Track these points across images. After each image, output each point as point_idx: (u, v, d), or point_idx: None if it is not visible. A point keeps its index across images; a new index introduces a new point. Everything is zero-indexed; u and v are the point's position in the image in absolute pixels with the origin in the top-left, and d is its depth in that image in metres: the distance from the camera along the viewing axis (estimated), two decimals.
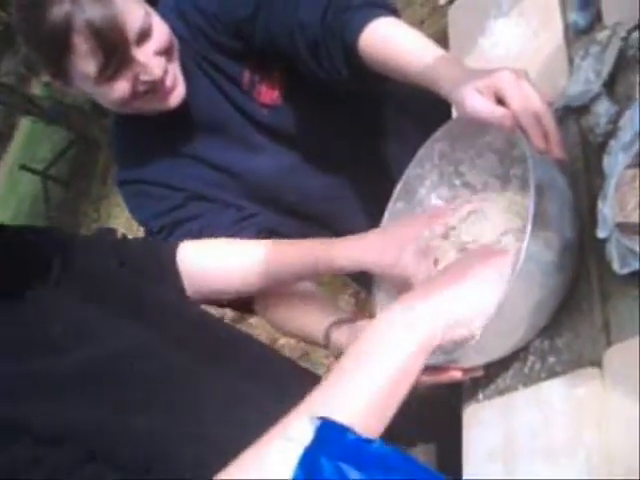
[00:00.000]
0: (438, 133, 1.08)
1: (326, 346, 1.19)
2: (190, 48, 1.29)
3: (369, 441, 0.68)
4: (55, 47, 1.13)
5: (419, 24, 2.94)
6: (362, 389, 0.78)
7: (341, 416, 0.73)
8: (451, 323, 0.86)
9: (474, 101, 0.92)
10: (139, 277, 1.07)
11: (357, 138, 1.42)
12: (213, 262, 1.18)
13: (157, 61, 1.19)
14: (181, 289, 1.14)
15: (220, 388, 0.92)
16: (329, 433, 0.68)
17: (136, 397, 0.81)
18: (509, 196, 1.02)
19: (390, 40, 1.09)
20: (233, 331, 1.12)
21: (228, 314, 3.28)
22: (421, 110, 1.20)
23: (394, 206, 1.14)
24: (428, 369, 0.98)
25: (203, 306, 1.20)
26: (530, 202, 0.84)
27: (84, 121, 6.14)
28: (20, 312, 0.83)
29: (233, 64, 1.31)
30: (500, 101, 0.91)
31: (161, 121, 1.29)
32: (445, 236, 1.04)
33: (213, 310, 1.22)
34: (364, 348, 0.83)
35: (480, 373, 1.00)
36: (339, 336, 1.17)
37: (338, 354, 1.17)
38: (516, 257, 0.86)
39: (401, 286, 1.08)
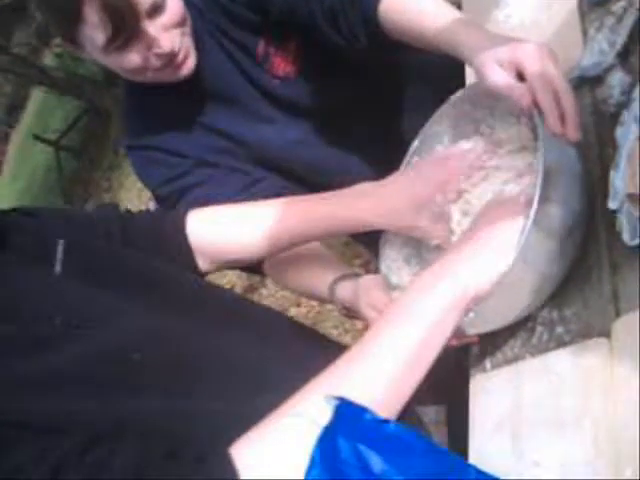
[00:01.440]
0: (458, 94, 1.06)
1: (331, 301, 1.20)
2: (204, 18, 1.29)
3: (386, 422, 0.68)
4: (66, 16, 1.14)
5: None
6: (399, 343, 0.79)
7: (379, 371, 0.75)
8: (482, 280, 0.85)
9: (494, 74, 0.92)
10: (144, 253, 1.06)
11: (372, 112, 1.41)
12: (225, 231, 1.15)
13: (169, 35, 1.19)
14: (189, 261, 1.13)
15: (233, 358, 0.92)
16: (347, 413, 0.68)
17: (145, 381, 0.80)
18: (525, 159, 1.01)
19: (409, 5, 1.08)
20: (240, 300, 1.12)
21: (238, 284, 3.31)
22: (440, 82, 1.20)
23: (410, 160, 1.13)
24: None
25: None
26: (537, 186, 0.84)
27: (96, 91, 6.14)
28: (20, 307, 0.82)
29: (248, 35, 1.31)
30: (520, 75, 0.90)
31: (172, 89, 1.29)
32: (455, 201, 1.04)
33: (223, 281, 1.22)
34: (403, 302, 0.84)
35: (475, 340, 1.00)
36: (343, 291, 1.18)
37: (342, 309, 1.19)
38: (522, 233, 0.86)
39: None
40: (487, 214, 0.94)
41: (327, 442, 0.66)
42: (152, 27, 1.17)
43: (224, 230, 1.15)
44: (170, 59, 1.21)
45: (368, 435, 0.67)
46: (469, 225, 0.97)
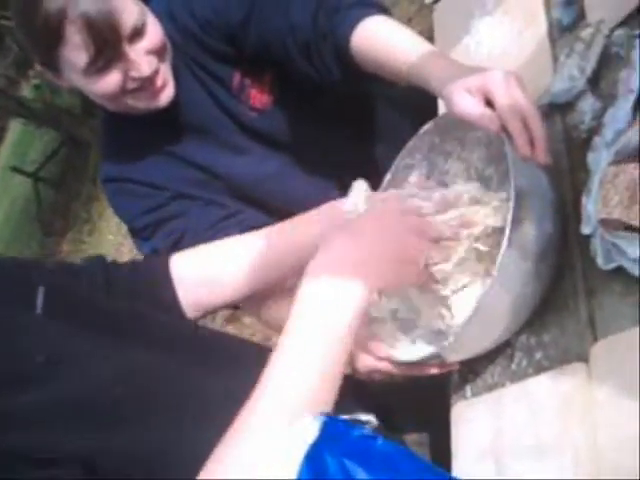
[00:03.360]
0: (428, 125, 1.07)
1: None
2: (180, 50, 1.29)
3: (374, 437, 0.68)
4: (47, 36, 1.14)
5: (407, 22, 2.94)
6: (302, 367, 0.77)
7: (300, 392, 0.75)
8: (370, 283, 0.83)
9: (463, 101, 0.93)
10: (128, 301, 1.05)
11: (348, 142, 1.42)
12: (209, 274, 1.13)
13: (148, 59, 1.19)
14: (175, 306, 1.11)
15: (212, 394, 0.92)
16: (334, 430, 0.68)
17: (129, 416, 0.81)
18: (490, 193, 1.02)
19: (380, 38, 1.09)
20: (230, 340, 1.12)
21: (220, 314, 3.29)
22: (415, 112, 1.21)
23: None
24: (404, 365, 0.99)
25: None
26: (509, 210, 0.85)
27: (74, 123, 6.14)
28: (1, 344, 0.82)
29: (224, 67, 1.32)
30: (489, 102, 0.91)
31: (148, 120, 1.29)
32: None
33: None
34: (299, 324, 0.80)
35: (456, 367, 1.00)
36: None
37: None
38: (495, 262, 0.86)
39: None
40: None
41: (314, 459, 0.66)
42: (132, 50, 1.17)
43: (207, 274, 1.13)
44: (148, 84, 1.21)
45: (355, 451, 0.66)
46: None
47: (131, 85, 1.20)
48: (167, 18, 1.28)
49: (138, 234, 1.36)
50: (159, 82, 1.22)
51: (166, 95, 1.25)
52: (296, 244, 1.10)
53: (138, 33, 1.18)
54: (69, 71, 1.19)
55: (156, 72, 1.21)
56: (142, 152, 1.35)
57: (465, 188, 0.99)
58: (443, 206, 0.95)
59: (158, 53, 1.21)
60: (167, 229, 1.32)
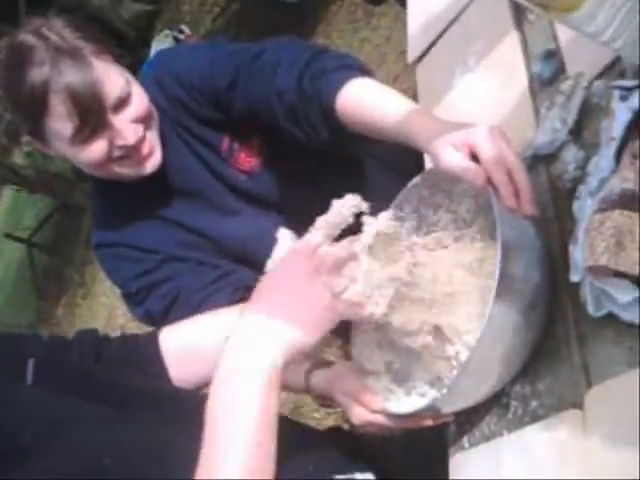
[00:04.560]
0: (417, 179, 1.09)
1: (306, 391, 1.19)
2: (169, 117, 1.32)
3: None
4: (33, 107, 1.16)
5: (393, 80, 2.99)
6: (239, 443, 0.79)
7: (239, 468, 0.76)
8: (286, 344, 0.86)
9: (449, 157, 0.94)
10: (118, 372, 1.05)
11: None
12: (197, 341, 1.13)
13: (133, 128, 1.21)
14: (166, 379, 1.11)
15: None
16: None
17: None
18: (477, 249, 1.03)
19: (365, 99, 1.11)
20: None
21: None
22: (404, 168, 1.22)
23: None
24: (399, 418, 0.99)
25: None
26: (497, 260, 0.86)
27: (67, 188, 6.16)
28: None
29: (211, 132, 1.34)
30: (474, 156, 0.93)
31: (138, 185, 1.31)
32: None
33: None
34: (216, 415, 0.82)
35: (450, 419, 1.01)
36: (317, 380, 1.17)
37: (317, 397, 1.18)
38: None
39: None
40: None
41: None
42: (117, 120, 1.19)
43: (192, 346, 1.13)
44: (133, 152, 1.23)
45: None
46: None
47: (117, 153, 1.22)
48: (155, 86, 1.31)
49: (131, 298, 1.37)
50: (145, 150, 1.24)
51: (152, 162, 1.27)
52: None
53: (123, 103, 1.20)
54: (55, 141, 1.21)
55: (142, 140, 1.23)
56: (132, 217, 1.37)
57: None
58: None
59: (144, 121, 1.23)
60: (160, 292, 1.32)
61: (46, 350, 1.02)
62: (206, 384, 1.13)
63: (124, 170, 1.26)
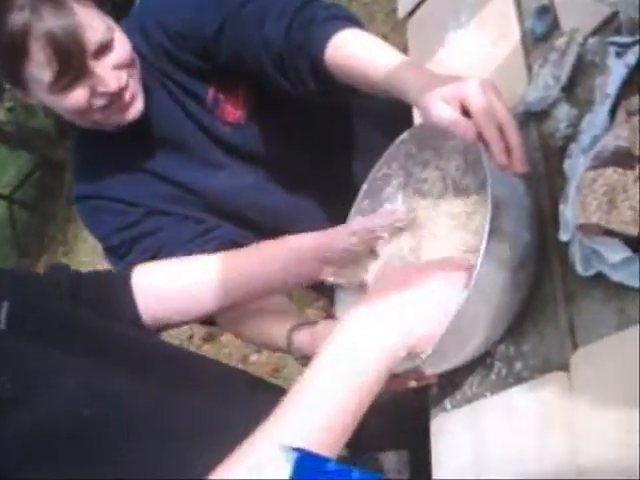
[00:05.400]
0: (405, 135, 1.07)
1: (288, 350, 1.18)
2: (152, 66, 1.29)
3: (349, 470, 0.67)
4: (12, 53, 1.13)
5: (381, 39, 2.95)
6: (321, 406, 0.76)
7: (303, 433, 0.73)
8: (407, 333, 0.84)
9: (439, 110, 0.92)
10: (93, 312, 1.04)
11: (323, 157, 1.41)
12: (167, 283, 1.13)
13: (115, 74, 1.18)
14: (136, 318, 1.11)
15: (188, 417, 0.90)
16: (307, 465, 0.67)
17: (97, 446, 0.78)
18: (467, 204, 1.01)
19: (355, 50, 1.08)
20: (192, 357, 1.10)
21: (197, 332, 3.27)
22: (390, 124, 1.20)
23: (360, 204, 1.13)
24: None
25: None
26: (487, 218, 0.84)
27: (49, 145, 6.10)
28: None
29: (197, 82, 1.31)
30: (465, 111, 0.91)
31: (121, 137, 1.28)
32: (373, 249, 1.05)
33: (182, 329, 1.19)
34: (323, 361, 0.80)
35: (434, 381, 0.99)
36: (300, 339, 1.16)
37: (300, 357, 1.17)
38: (470, 272, 0.85)
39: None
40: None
41: None
42: (99, 66, 1.16)
43: (169, 286, 1.13)
44: (116, 99, 1.20)
45: None
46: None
47: (99, 101, 1.19)
48: (140, 35, 1.28)
49: (113, 252, 1.35)
50: (127, 97, 1.21)
51: (135, 109, 1.24)
52: (261, 268, 1.11)
53: (104, 49, 1.17)
54: (36, 88, 1.18)
55: (125, 87, 1.20)
56: (115, 169, 1.34)
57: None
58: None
59: (126, 68, 1.21)
60: (142, 246, 1.30)
61: (20, 290, 0.99)
62: (172, 326, 1.15)
63: (106, 118, 1.23)
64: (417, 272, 0.90)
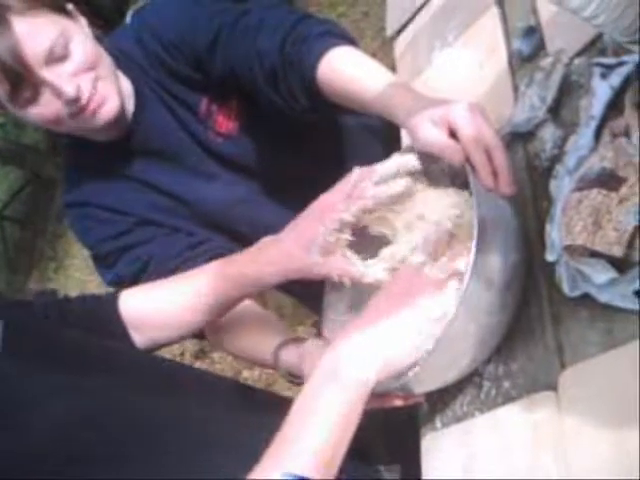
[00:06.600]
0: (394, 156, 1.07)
1: (275, 367, 1.18)
2: (147, 75, 1.29)
3: None
4: None
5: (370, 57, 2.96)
6: (309, 447, 0.78)
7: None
8: (382, 363, 0.85)
9: (427, 132, 0.93)
10: (82, 334, 1.04)
11: (316, 170, 1.41)
12: (157, 306, 1.13)
13: (74, 80, 1.16)
14: (126, 338, 1.11)
15: (182, 430, 0.90)
16: None
17: (96, 454, 0.79)
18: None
19: (346, 69, 1.09)
20: (187, 370, 1.10)
21: (189, 349, 3.26)
22: (381, 137, 1.21)
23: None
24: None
25: None
26: (473, 239, 0.84)
27: (39, 161, 6.09)
28: None
29: (190, 93, 1.31)
30: (453, 133, 0.91)
31: (112, 146, 1.28)
32: (340, 230, 1.01)
33: (174, 346, 1.19)
34: (303, 406, 0.83)
35: (420, 400, 0.99)
36: (287, 356, 1.16)
37: (286, 374, 1.17)
38: (457, 297, 0.86)
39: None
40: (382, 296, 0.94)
41: None
42: (53, 75, 1.14)
43: (155, 305, 1.12)
44: (82, 106, 1.18)
45: None
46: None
47: (67, 109, 1.17)
48: (136, 45, 1.28)
49: (101, 261, 1.34)
50: (94, 102, 1.19)
51: (106, 112, 1.21)
52: (237, 278, 1.09)
53: (58, 57, 1.15)
54: (6, 106, 1.17)
55: (89, 91, 1.18)
56: (106, 178, 1.33)
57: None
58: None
59: (88, 71, 1.18)
60: (131, 256, 1.30)
61: (15, 312, 0.99)
62: (160, 346, 1.14)
63: (80, 124, 1.21)
64: (405, 295, 0.90)
